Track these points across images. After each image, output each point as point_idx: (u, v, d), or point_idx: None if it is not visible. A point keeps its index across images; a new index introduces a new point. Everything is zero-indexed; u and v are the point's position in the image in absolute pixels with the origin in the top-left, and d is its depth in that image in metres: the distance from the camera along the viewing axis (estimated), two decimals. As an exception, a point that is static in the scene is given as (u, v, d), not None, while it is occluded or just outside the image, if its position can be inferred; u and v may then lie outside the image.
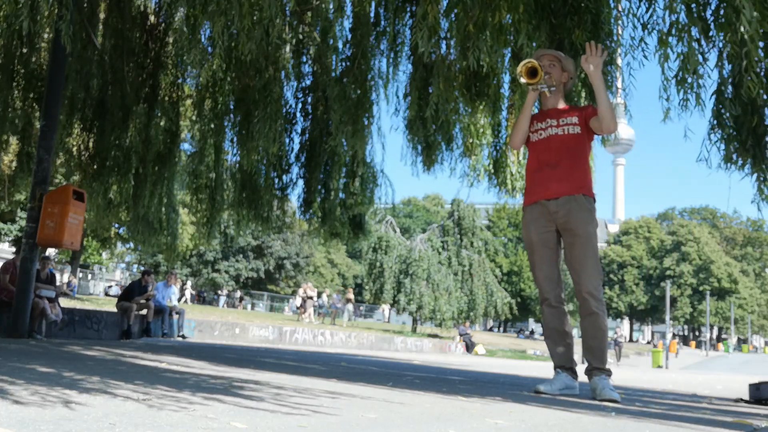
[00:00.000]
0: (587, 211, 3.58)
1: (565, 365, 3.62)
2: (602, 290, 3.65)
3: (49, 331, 8.35)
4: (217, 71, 7.77)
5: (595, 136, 3.82)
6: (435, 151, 7.15)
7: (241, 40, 5.18)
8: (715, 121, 4.21)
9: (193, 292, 38.89)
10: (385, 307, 28.77)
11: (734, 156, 4.24)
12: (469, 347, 24.05)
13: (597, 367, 3.51)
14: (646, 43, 4.22)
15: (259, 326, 15.44)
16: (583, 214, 3.56)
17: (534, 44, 4.51)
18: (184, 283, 37.21)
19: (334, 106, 7.19)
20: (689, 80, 3.71)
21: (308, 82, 8.55)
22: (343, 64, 7.67)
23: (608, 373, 3.51)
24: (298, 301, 24.38)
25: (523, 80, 3.60)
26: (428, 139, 6.99)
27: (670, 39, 3.71)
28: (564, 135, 3.66)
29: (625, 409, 2.91)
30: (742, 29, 3.30)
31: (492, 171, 6.97)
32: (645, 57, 4.26)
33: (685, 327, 68.16)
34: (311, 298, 24.60)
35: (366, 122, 7.43)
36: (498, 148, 6.92)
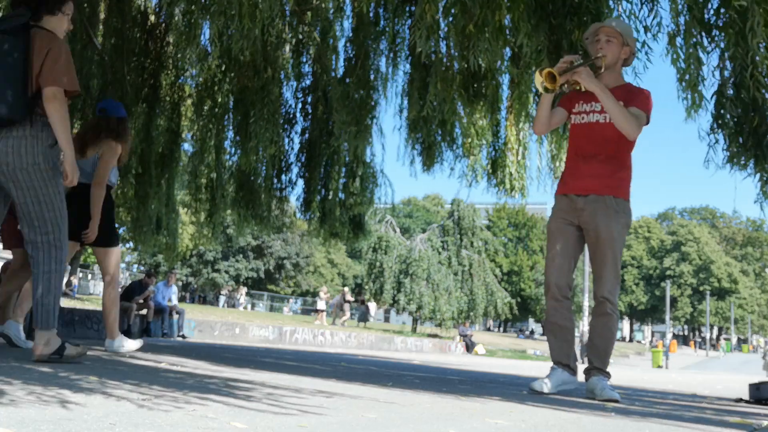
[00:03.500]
0: (615, 213, 3.47)
1: (562, 361, 3.55)
2: (618, 293, 3.58)
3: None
4: (215, 71, 7.76)
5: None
6: (435, 150, 7.14)
7: (234, 39, 5.15)
8: (717, 122, 4.21)
9: (248, 298, 38.46)
10: (372, 306, 28.33)
11: (737, 156, 4.24)
12: (469, 347, 24.03)
13: (597, 368, 3.49)
14: (650, 48, 4.21)
15: (259, 326, 15.44)
16: (609, 217, 3.45)
17: (534, 46, 4.49)
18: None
19: (337, 106, 7.17)
20: (695, 81, 3.71)
21: (308, 82, 8.54)
22: (345, 64, 7.67)
23: (607, 375, 3.49)
24: (320, 305, 24.60)
25: (541, 89, 3.39)
26: (428, 139, 6.98)
27: (677, 40, 3.71)
28: (606, 123, 3.46)
29: (625, 409, 2.91)
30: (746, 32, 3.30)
31: (490, 171, 6.97)
32: (649, 60, 4.24)
33: (685, 327, 68.13)
34: (348, 302, 24.95)
35: (370, 123, 7.41)
36: (497, 148, 6.93)
